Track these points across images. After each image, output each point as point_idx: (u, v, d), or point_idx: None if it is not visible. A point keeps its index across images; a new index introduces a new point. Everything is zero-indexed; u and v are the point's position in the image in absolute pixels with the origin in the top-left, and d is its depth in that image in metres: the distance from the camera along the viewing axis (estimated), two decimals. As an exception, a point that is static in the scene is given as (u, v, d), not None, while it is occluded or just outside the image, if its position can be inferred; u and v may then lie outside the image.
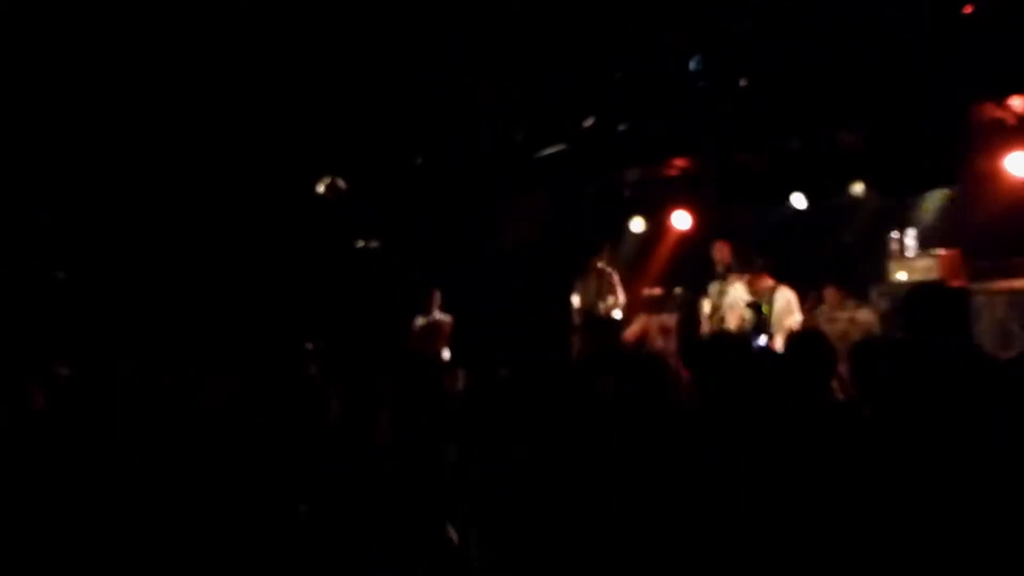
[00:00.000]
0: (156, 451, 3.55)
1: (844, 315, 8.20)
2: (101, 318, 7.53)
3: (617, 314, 9.07)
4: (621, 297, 9.23)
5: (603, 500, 3.00)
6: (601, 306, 9.18)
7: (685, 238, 10.38)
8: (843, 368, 4.16)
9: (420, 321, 9.06)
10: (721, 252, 8.71)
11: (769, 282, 7.84)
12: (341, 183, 8.30)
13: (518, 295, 9.64)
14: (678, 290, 9.64)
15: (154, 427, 4.13)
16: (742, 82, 6.95)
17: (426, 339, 8.60)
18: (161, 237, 8.19)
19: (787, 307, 7.64)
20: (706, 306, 8.58)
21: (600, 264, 9.37)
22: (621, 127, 7.74)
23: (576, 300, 9.53)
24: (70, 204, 7.64)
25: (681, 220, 10.11)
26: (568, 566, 2.91)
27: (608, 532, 2.93)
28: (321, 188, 8.27)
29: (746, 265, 7.94)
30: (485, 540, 3.09)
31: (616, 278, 9.29)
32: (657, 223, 10.41)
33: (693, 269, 9.89)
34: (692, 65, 6.89)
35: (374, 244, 9.15)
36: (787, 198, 9.27)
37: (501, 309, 9.70)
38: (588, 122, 7.56)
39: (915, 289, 4.62)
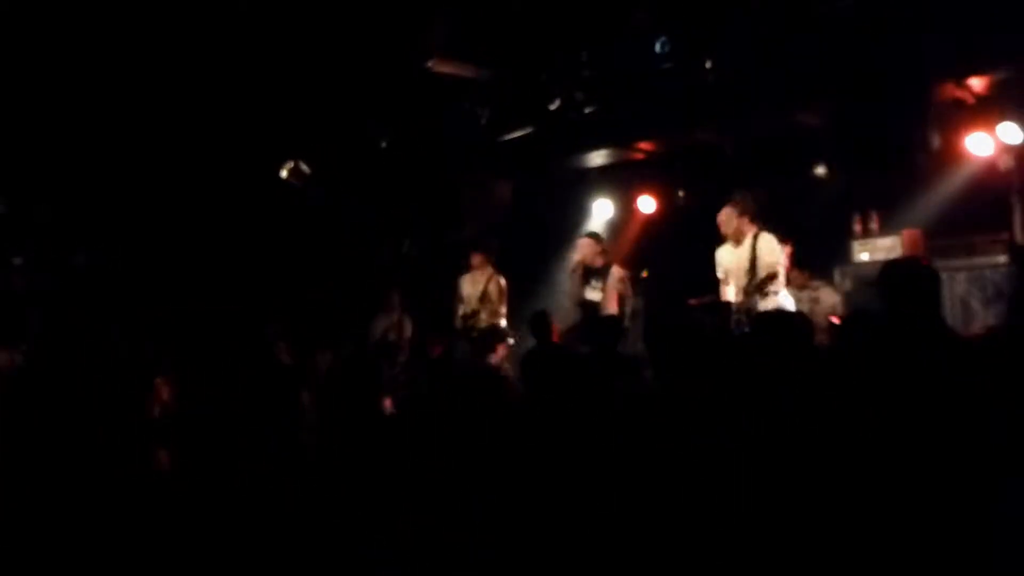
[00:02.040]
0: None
1: (808, 295, 8.35)
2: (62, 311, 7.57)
3: (503, 323, 8.73)
4: (503, 310, 8.88)
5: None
6: (484, 317, 8.81)
7: (651, 221, 10.42)
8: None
9: (382, 322, 8.98)
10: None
11: (751, 227, 7.62)
12: (305, 167, 8.22)
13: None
14: (644, 274, 9.68)
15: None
16: (707, 64, 6.94)
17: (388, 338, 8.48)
18: (122, 226, 8.16)
19: (769, 249, 7.47)
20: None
21: (486, 266, 9.01)
22: (587, 110, 7.72)
23: (462, 304, 9.09)
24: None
25: (647, 204, 10.17)
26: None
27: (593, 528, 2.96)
28: (284, 173, 8.19)
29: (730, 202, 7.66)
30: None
31: (504, 287, 8.96)
32: (624, 207, 10.46)
33: (660, 252, 10.03)
34: (657, 47, 6.90)
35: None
36: (752, 180, 9.02)
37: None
38: (554, 105, 7.53)
39: (891, 264, 4.68)
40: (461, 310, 8.99)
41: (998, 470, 2.39)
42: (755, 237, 7.50)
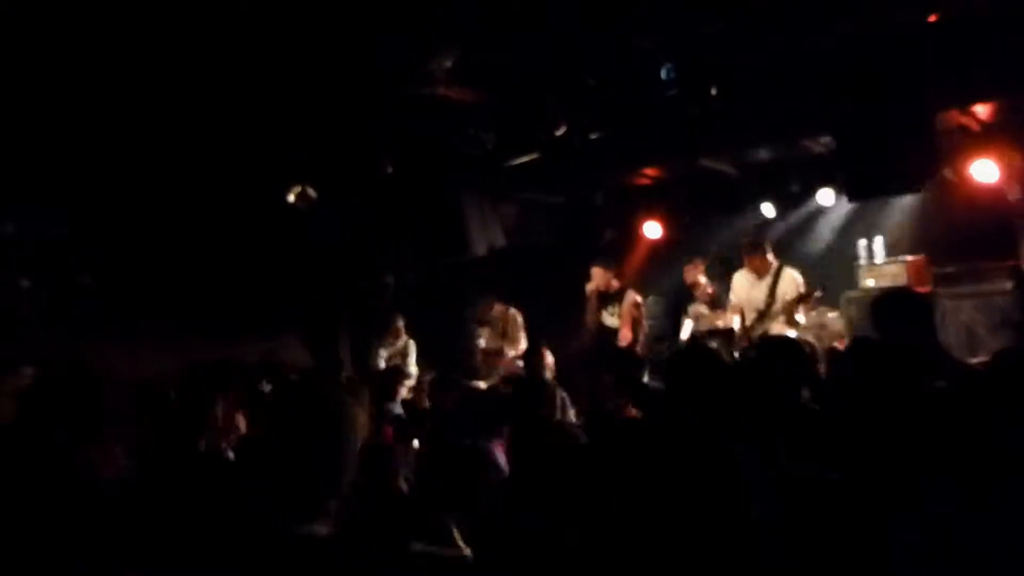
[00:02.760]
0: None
1: (814, 321, 8.38)
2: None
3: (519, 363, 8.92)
4: (523, 343, 9.19)
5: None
6: (507, 351, 9.09)
7: (657, 248, 10.51)
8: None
9: (385, 351, 9.12)
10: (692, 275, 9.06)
11: (772, 262, 8.01)
12: (311, 192, 8.26)
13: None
14: (650, 299, 9.70)
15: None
16: (712, 90, 6.94)
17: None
18: (128, 249, 8.24)
19: (793, 284, 7.80)
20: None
21: (502, 306, 9.34)
22: (593, 136, 7.76)
23: (482, 341, 9.45)
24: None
25: (652, 230, 10.24)
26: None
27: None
28: (292, 197, 8.24)
29: (750, 247, 8.09)
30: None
31: (520, 319, 9.29)
32: (628, 233, 10.53)
33: (665, 279, 10.21)
34: (663, 74, 6.89)
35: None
36: (757, 207, 9.49)
37: (471, 320, 9.84)
38: (560, 131, 7.54)
39: (882, 294, 4.77)
40: (480, 348, 9.35)
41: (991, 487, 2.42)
42: (779, 269, 7.89)
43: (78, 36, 5.60)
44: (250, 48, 6.19)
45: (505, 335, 9.23)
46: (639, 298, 8.72)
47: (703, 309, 9.10)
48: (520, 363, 8.88)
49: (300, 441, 2.29)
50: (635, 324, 8.54)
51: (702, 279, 9.26)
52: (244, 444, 4.28)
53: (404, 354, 9.29)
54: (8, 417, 3.51)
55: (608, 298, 8.62)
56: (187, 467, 3.43)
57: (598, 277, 8.66)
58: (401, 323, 9.35)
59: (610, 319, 8.59)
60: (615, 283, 8.69)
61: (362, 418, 2.41)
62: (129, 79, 6.16)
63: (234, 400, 4.77)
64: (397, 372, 7.35)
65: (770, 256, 8.05)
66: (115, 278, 8.25)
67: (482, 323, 9.49)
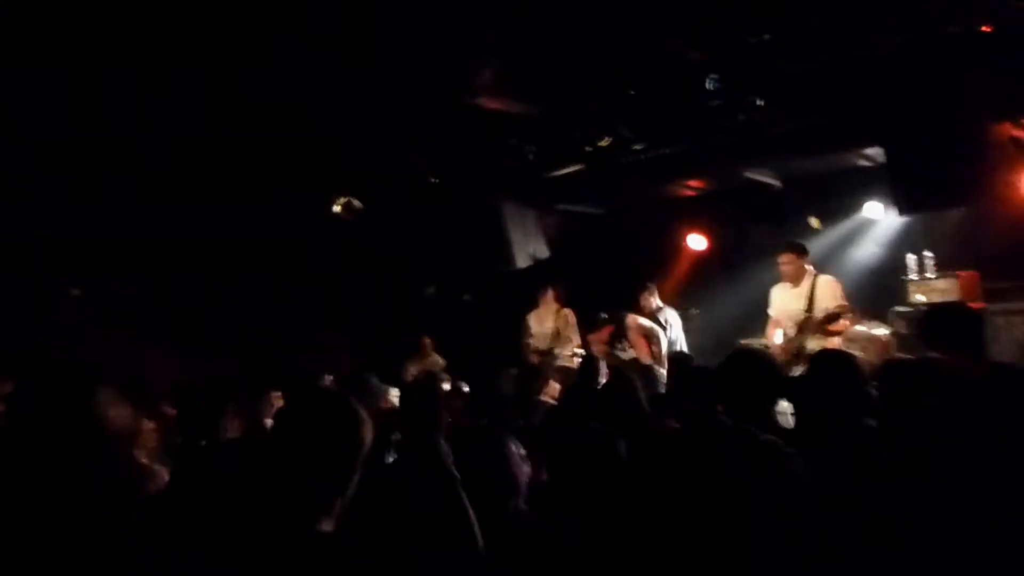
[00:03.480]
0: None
1: (861, 336, 8.16)
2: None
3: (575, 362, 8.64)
4: (576, 340, 8.97)
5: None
6: (559, 352, 8.87)
7: (701, 260, 10.43)
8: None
9: (413, 369, 8.88)
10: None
11: (809, 269, 7.73)
12: (357, 203, 8.29)
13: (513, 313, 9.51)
14: (694, 311, 9.60)
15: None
16: (758, 101, 6.90)
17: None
18: (166, 258, 8.26)
19: (830, 292, 7.53)
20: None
21: (553, 302, 9.12)
22: (636, 147, 7.72)
23: (532, 340, 9.18)
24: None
25: (696, 242, 10.18)
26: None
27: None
28: (337, 208, 8.25)
29: (784, 247, 7.78)
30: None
31: (573, 319, 9.06)
32: (672, 244, 10.47)
33: (707, 291, 10.08)
34: (708, 84, 6.82)
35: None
36: (802, 219, 9.36)
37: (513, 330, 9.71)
38: (603, 141, 7.55)
39: (933, 308, 4.69)
40: (532, 347, 9.07)
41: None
42: (814, 278, 7.59)
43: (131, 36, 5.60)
44: (295, 56, 6.19)
45: (558, 335, 9.01)
46: (640, 319, 8.56)
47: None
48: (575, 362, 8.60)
49: (308, 443, 2.46)
50: (648, 340, 8.41)
51: (656, 303, 9.06)
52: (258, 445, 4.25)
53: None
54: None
55: (616, 336, 8.47)
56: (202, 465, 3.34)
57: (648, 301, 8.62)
58: (428, 341, 9.19)
59: (622, 354, 8.41)
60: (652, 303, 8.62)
61: (368, 424, 2.54)
62: (165, 73, 6.14)
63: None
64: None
65: (806, 262, 7.72)
66: (158, 286, 8.31)
67: (530, 316, 9.26)
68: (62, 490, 2.82)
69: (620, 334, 8.40)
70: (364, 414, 2.55)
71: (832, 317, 7.33)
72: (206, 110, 6.66)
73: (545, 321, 9.11)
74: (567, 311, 9.10)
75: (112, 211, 7.59)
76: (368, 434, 2.53)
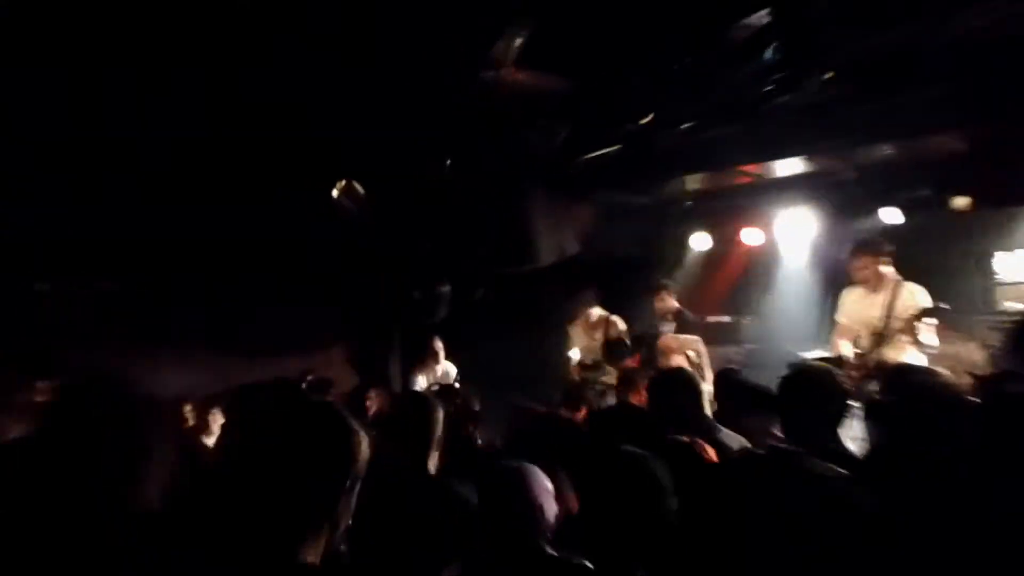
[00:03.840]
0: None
1: (947, 352, 7.68)
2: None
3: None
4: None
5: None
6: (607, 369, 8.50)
7: (756, 257, 10.26)
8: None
9: (422, 378, 8.70)
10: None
11: (889, 273, 7.40)
12: (358, 187, 8.04)
13: (557, 322, 9.40)
14: (747, 319, 9.32)
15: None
16: (826, 75, 6.40)
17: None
18: (155, 250, 8.18)
19: (914, 303, 7.13)
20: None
21: (602, 312, 8.90)
22: (684, 127, 7.34)
23: (575, 353, 8.99)
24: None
25: (752, 236, 9.95)
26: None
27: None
28: (336, 193, 8.03)
29: (861, 247, 7.47)
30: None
31: (625, 328, 8.79)
32: (724, 239, 10.32)
33: (763, 296, 9.98)
34: (769, 55, 6.32)
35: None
36: (877, 212, 9.01)
37: (538, 337, 9.61)
38: (645, 120, 7.18)
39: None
40: (578, 362, 8.91)
41: None
42: (896, 285, 7.30)
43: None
44: (286, 20, 5.95)
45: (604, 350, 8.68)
46: (673, 337, 8.40)
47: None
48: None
49: (291, 468, 2.39)
50: (688, 358, 8.06)
51: (673, 304, 8.92)
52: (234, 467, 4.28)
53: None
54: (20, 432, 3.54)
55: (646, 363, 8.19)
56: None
57: (665, 303, 8.49)
58: (440, 346, 8.95)
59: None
60: (675, 306, 8.50)
61: (365, 443, 2.47)
62: (165, 73, 6.23)
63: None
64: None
65: (886, 266, 7.40)
66: (141, 283, 8.27)
67: (572, 332, 9.09)
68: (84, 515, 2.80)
69: (651, 360, 8.21)
70: (356, 426, 2.46)
71: (912, 325, 6.97)
72: (206, 110, 6.77)
73: (595, 331, 8.91)
74: (615, 319, 8.89)
75: (112, 211, 7.71)
76: (362, 451, 2.43)
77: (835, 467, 3.03)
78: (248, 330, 8.47)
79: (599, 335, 8.83)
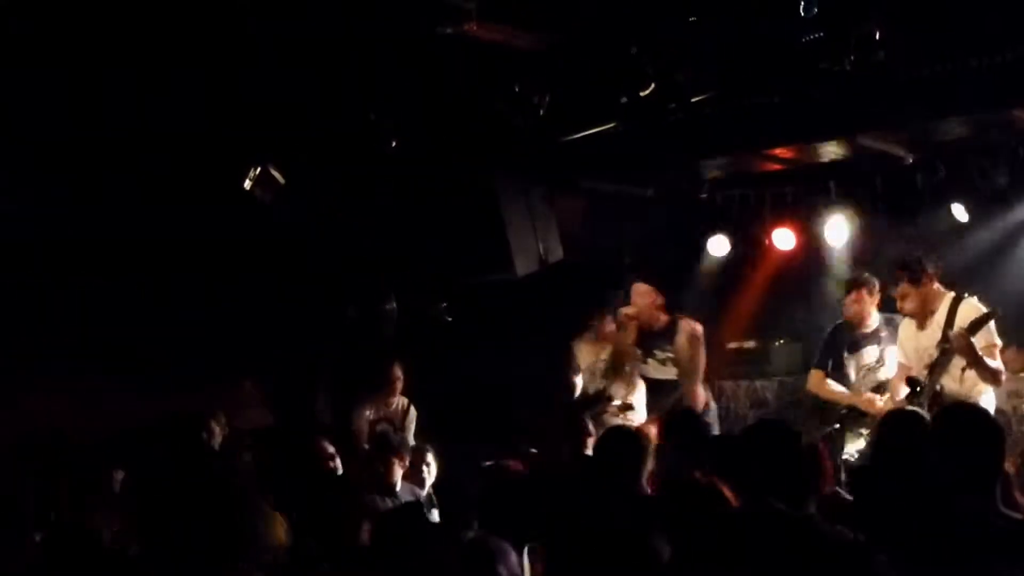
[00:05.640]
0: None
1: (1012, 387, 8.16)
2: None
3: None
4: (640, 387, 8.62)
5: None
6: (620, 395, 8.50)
7: (789, 264, 10.17)
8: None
9: (370, 412, 8.75)
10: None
11: (942, 294, 7.47)
12: (276, 175, 8.00)
13: (543, 341, 9.41)
14: (780, 342, 9.19)
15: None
16: (876, 34, 6.30)
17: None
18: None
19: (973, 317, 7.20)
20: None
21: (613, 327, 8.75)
22: (697, 99, 7.23)
23: (579, 380, 8.92)
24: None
25: (784, 238, 9.81)
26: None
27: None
28: (248, 184, 8.01)
29: (906, 271, 7.51)
30: None
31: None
32: (749, 242, 10.20)
33: (800, 312, 10.10)
34: (803, 8, 6.25)
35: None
36: (943, 207, 8.99)
37: (520, 362, 9.52)
38: (646, 90, 7.03)
39: None
40: (581, 387, 8.88)
41: None
42: (953, 302, 7.37)
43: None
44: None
45: (617, 371, 8.62)
46: (699, 327, 8.40)
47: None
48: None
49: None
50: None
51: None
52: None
53: (401, 422, 8.90)
54: None
55: (654, 337, 8.35)
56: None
57: (643, 299, 8.32)
58: (399, 375, 8.87)
59: (660, 367, 8.36)
60: (662, 317, 8.38)
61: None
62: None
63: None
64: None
65: (933, 281, 7.49)
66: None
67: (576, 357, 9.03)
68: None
69: (666, 337, 8.38)
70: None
71: (975, 326, 7.11)
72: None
73: (599, 350, 8.89)
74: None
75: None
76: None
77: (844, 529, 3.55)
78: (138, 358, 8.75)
79: (607, 352, 8.78)
